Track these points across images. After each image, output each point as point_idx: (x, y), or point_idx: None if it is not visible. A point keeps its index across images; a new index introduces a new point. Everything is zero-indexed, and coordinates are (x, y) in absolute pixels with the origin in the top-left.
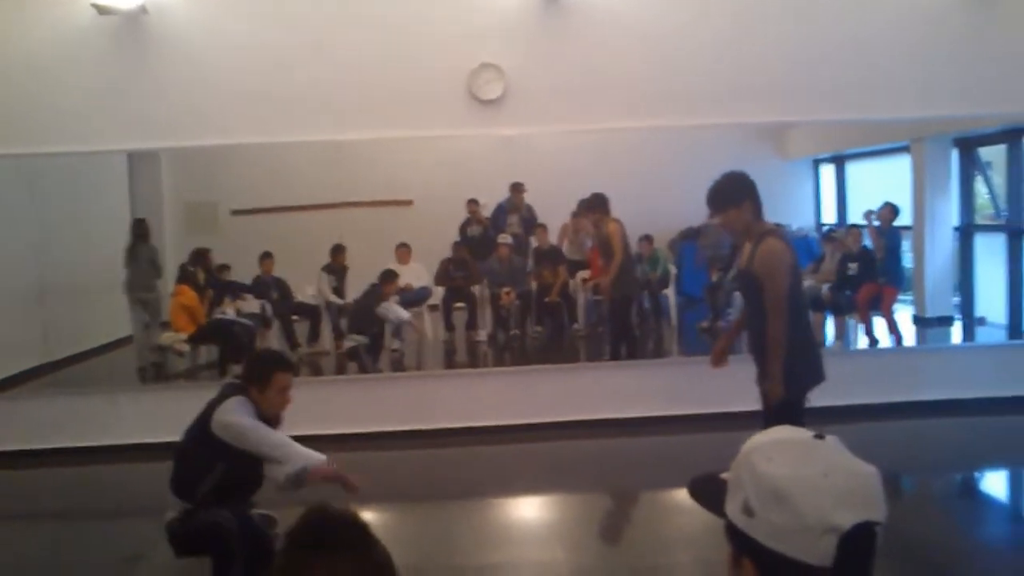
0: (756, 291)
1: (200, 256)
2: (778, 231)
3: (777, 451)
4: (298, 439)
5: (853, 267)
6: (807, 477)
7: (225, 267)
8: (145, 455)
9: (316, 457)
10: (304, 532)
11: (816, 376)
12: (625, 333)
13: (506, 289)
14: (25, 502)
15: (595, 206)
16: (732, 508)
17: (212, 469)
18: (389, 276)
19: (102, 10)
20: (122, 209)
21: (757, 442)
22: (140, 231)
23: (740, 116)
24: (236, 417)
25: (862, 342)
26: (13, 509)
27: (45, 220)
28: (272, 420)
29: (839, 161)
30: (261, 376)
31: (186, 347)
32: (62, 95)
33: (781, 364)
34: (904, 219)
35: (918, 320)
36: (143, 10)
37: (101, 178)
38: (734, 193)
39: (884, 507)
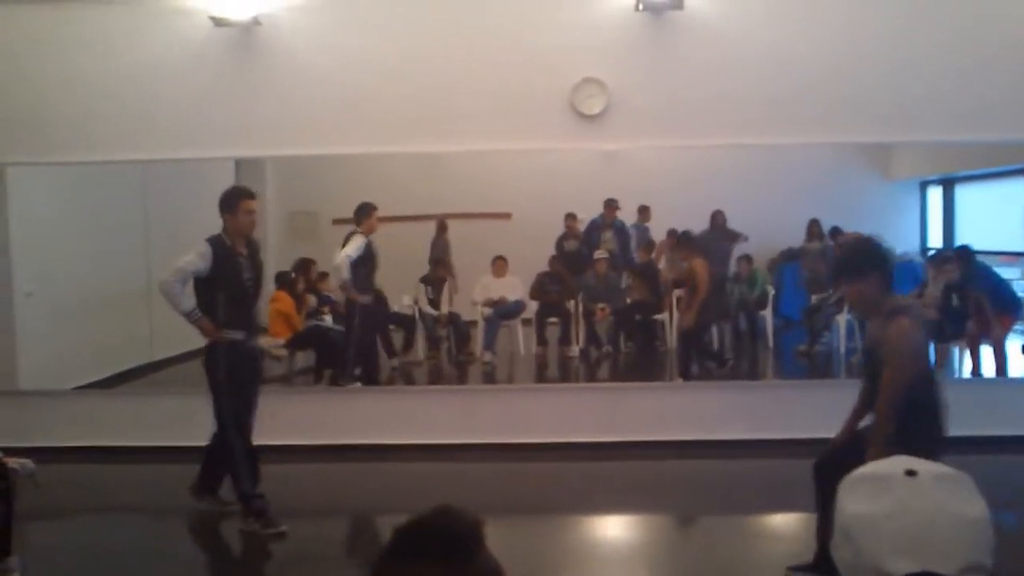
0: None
1: (304, 265)
2: (911, 309)
3: (859, 485)
4: (389, 447)
5: (956, 298)
6: (869, 516)
7: (324, 275)
8: None
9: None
10: (407, 537)
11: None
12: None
13: (601, 305)
14: (117, 496)
15: (682, 245)
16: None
17: (216, 300)
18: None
19: (218, 21)
20: None
21: (855, 473)
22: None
23: (847, 136)
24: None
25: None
26: (99, 503)
27: (154, 225)
28: (248, 244)
29: (948, 184)
30: (230, 205)
31: (283, 352)
32: (176, 103)
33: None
34: (1017, 245)
35: None
36: (256, 22)
37: (208, 185)
38: (860, 264)
39: (961, 559)
